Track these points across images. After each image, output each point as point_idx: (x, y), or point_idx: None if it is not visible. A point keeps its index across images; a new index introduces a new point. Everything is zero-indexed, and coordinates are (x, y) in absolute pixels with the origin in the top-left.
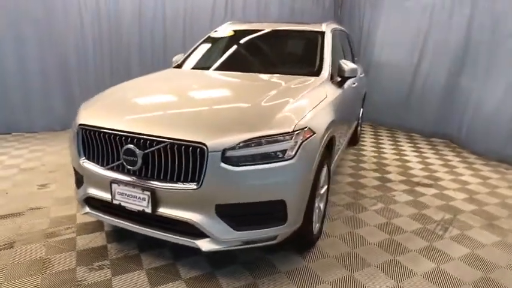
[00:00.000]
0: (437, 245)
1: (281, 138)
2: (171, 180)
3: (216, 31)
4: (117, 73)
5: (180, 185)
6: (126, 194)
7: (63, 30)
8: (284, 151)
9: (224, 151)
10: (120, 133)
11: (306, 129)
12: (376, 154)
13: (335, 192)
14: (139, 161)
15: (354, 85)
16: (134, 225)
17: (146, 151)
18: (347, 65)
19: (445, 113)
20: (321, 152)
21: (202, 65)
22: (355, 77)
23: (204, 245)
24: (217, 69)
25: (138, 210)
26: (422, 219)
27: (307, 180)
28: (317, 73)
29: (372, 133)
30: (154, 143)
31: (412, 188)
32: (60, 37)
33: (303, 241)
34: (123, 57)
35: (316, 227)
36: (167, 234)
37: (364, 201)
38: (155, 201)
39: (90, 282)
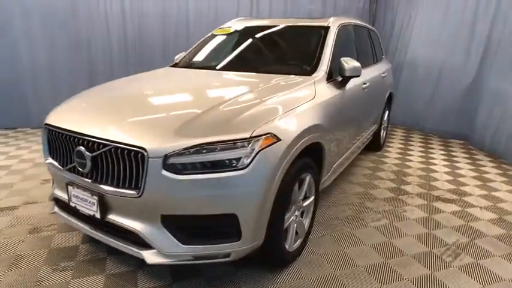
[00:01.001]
0: (440, 275)
1: (235, 144)
2: (117, 186)
3: (220, 28)
4: None
5: (122, 191)
6: (79, 196)
7: (89, 33)
8: (238, 159)
9: (166, 157)
10: (73, 134)
11: (268, 135)
12: (400, 162)
13: (337, 203)
14: (89, 164)
15: (365, 85)
16: (91, 230)
17: (94, 154)
18: (348, 63)
19: (493, 121)
20: (289, 161)
21: (195, 63)
22: (358, 76)
23: (149, 257)
24: (207, 67)
25: (90, 215)
26: (431, 241)
27: (267, 192)
28: (311, 72)
29: (403, 138)
30: (101, 145)
31: (429, 202)
32: (87, 40)
33: (272, 259)
34: (147, 59)
35: (292, 244)
36: (117, 242)
37: (367, 215)
38: (104, 207)
39: (48, 284)
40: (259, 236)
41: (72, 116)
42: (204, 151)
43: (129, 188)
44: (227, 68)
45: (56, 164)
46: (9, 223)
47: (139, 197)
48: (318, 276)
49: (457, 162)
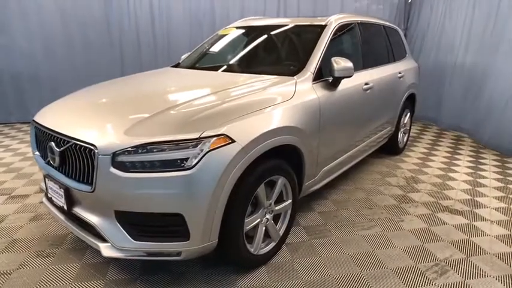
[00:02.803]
0: None
1: (183, 145)
2: (77, 180)
3: (225, 28)
4: None
5: (79, 185)
6: (53, 188)
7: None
8: (186, 159)
9: (114, 155)
10: (47, 131)
11: (220, 136)
12: (416, 167)
13: (331, 207)
14: (57, 159)
15: (368, 86)
16: (64, 221)
17: (61, 149)
18: (338, 63)
19: None
20: (247, 162)
21: (192, 63)
22: (349, 76)
23: (105, 249)
24: (199, 68)
25: (60, 206)
26: (420, 255)
27: (216, 194)
28: (296, 72)
29: (431, 141)
30: (65, 142)
31: (434, 213)
32: (119, 42)
33: (232, 261)
34: (176, 60)
35: (260, 247)
36: (82, 234)
37: (359, 222)
38: (69, 199)
39: (28, 268)
40: (212, 236)
41: (51, 114)
42: (152, 150)
43: (85, 183)
44: (217, 68)
45: (40, 157)
46: (16, 210)
47: (93, 192)
48: (283, 283)
49: (483, 170)
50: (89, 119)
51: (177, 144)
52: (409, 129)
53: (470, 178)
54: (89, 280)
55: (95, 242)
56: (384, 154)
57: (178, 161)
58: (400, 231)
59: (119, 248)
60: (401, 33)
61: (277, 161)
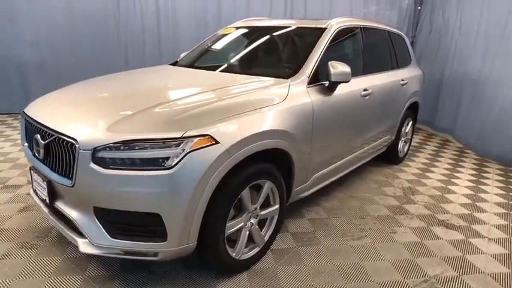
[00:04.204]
0: None
1: (164, 143)
2: (60, 174)
3: (225, 28)
4: None
5: (60, 179)
6: (37, 181)
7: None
8: (166, 159)
9: (95, 150)
10: (34, 123)
11: (204, 137)
12: (415, 178)
13: (323, 215)
14: (42, 151)
15: (366, 92)
16: (48, 214)
17: (45, 142)
18: (335, 67)
19: None
20: (230, 164)
21: (189, 62)
22: (346, 81)
23: (82, 245)
24: (194, 67)
25: (43, 199)
26: (409, 269)
27: (196, 195)
28: (291, 75)
29: (434, 151)
30: (50, 134)
31: (429, 226)
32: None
33: (212, 264)
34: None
35: (242, 252)
36: (63, 228)
37: (349, 231)
38: (52, 193)
39: (11, 259)
40: (190, 239)
41: (39, 107)
42: (133, 148)
43: (67, 177)
44: (213, 67)
45: (29, 149)
46: (8, 200)
47: (72, 186)
48: None
49: (485, 185)
50: (75, 113)
51: (158, 142)
52: (411, 139)
53: (470, 192)
54: (68, 275)
55: (74, 237)
56: (382, 163)
57: (159, 160)
58: (392, 244)
59: (96, 244)
60: (407, 40)
61: (264, 165)
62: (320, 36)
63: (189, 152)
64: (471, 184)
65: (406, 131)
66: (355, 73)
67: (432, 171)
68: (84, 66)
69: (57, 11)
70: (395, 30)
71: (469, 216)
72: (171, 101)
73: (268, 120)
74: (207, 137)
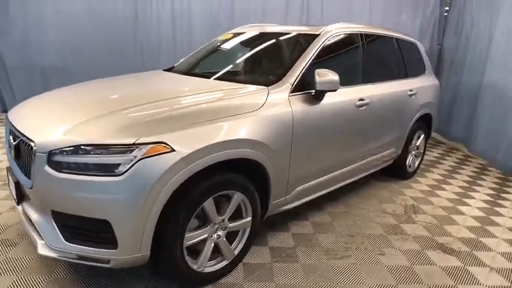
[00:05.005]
0: None
1: (116, 149)
2: (25, 175)
3: (225, 34)
4: None
5: (24, 180)
6: (10, 181)
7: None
8: (117, 165)
9: (50, 154)
10: (10, 125)
11: (160, 144)
12: (422, 195)
13: (309, 231)
14: (13, 152)
15: (362, 102)
16: (20, 213)
17: (15, 143)
18: (321, 75)
19: None
20: (187, 173)
21: (185, 68)
22: (334, 90)
23: (40, 247)
24: (184, 73)
25: (15, 199)
26: None
27: (147, 203)
28: (273, 82)
29: (451, 167)
30: (17, 136)
31: (423, 249)
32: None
33: (172, 276)
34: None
35: (205, 264)
36: (28, 227)
37: (333, 250)
38: (19, 193)
39: None
40: (142, 248)
41: (18, 109)
42: (85, 152)
43: (29, 178)
44: (201, 74)
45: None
46: (2, 197)
47: (31, 188)
48: None
49: (502, 207)
50: (43, 117)
51: (110, 148)
52: (423, 153)
53: (482, 214)
54: (36, 274)
55: (35, 238)
56: (389, 178)
57: (111, 166)
58: (376, 266)
59: (51, 247)
60: (421, 48)
61: (232, 175)
62: (310, 43)
63: (141, 159)
64: (485, 205)
65: (417, 144)
66: (352, 82)
67: (444, 189)
68: (102, 70)
69: (80, 18)
70: (406, 37)
71: (473, 241)
72: (135, 106)
73: (236, 129)
74: (162, 144)
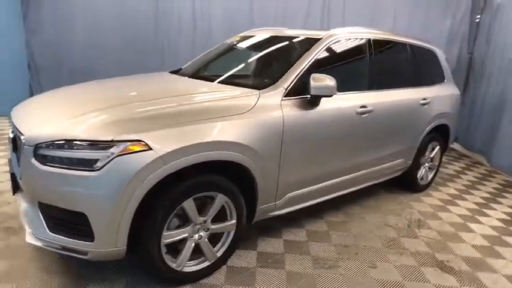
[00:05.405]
0: None
1: (94, 145)
2: (18, 167)
3: (234, 37)
4: None
5: (16, 170)
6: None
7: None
8: (95, 160)
9: (36, 147)
10: (11, 119)
11: (140, 142)
12: (432, 210)
13: (303, 238)
14: (11, 145)
15: (364, 109)
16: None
17: (12, 136)
18: (317, 80)
19: None
20: (164, 173)
21: (190, 70)
22: (329, 96)
23: (28, 235)
24: (187, 75)
25: (11, 189)
26: None
27: (123, 200)
28: (266, 85)
29: (471, 182)
30: (13, 130)
31: (420, 266)
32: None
33: (151, 273)
34: None
35: (184, 263)
36: (22, 216)
37: (323, 259)
38: (14, 183)
39: None
40: (119, 242)
41: (21, 106)
42: (67, 147)
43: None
44: (199, 76)
45: None
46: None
47: (20, 179)
48: None
49: None
50: (37, 113)
51: (90, 144)
52: (438, 166)
53: (494, 233)
54: (30, 262)
55: (26, 226)
56: (400, 190)
57: (90, 161)
58: (364, 279)
59: (37, 237)
60: (441, 56)
61: (214, 177)
62: (310, 47)
63: (118, 156)
64: (500, 224)
65: (431, 156)
66: (354, 88)
67: (457, 204)
68: (123, 69)
69: (106, 18)
70: (423, 44)
71: (477, 261)
72: (123, 105)
73: (219, 131)
74: (140, 142)
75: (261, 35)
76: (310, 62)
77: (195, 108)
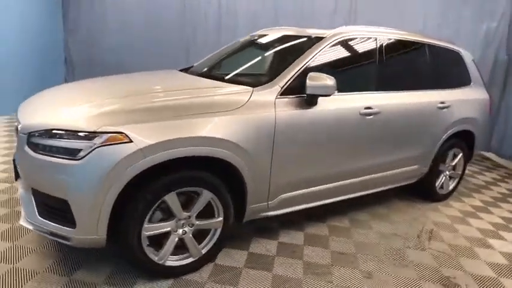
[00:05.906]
0: None
1: (78, 135)
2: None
3: (249, 35)
4: None
5: (16, 157)
6: None
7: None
8: (79, 150)
9: (29, 135)
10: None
11: (121, 134)
12: (448, 221)
13: (298, 241)
14: (15, 134)
15: (370, 110)
16: None
17: (16, 125)
18: (313, 79)
19: None
20: (144, 165)
21: (199, 68)
22: (327, 95)
23: (22, 218)
24: (197, 73)
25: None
26: None
27: (102, 190)
28: (262, 83)
29: (502, 194)
30: (17, 120)
31: (421, 279)
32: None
33: (132, 263)
34: None
35: (167, 258)
36: (20, 201)
37: (315, 264)
38: (15, 170)
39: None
40: (99, 231)
41: (26, 101)
42: (54, 136)
43: None
44: (203, 74)
45: None
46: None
47: (17, 166)
48: None
49: None
50: (38, 104)
51: (76, 134)
52: (462, 174)
53: None
54: (27, 244)
55: (22, 210)
56: (416, 198)
57: (74, 151)
58: None
59: (29, 221)
60: (467, 57)
61: (199, 173)
62: (312, 46)
63: (100, 147)
64: None
65: (452, 164)
66: (359, 88)
67: (479, 217)
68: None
69: (135, 16)
70: (446, 44)
71: (489, 280)
72: (115, 99)
73: (203, 126)
74: (122, 134)
75: (271, 35)
76: (310, 61)
77: (181, 103)
